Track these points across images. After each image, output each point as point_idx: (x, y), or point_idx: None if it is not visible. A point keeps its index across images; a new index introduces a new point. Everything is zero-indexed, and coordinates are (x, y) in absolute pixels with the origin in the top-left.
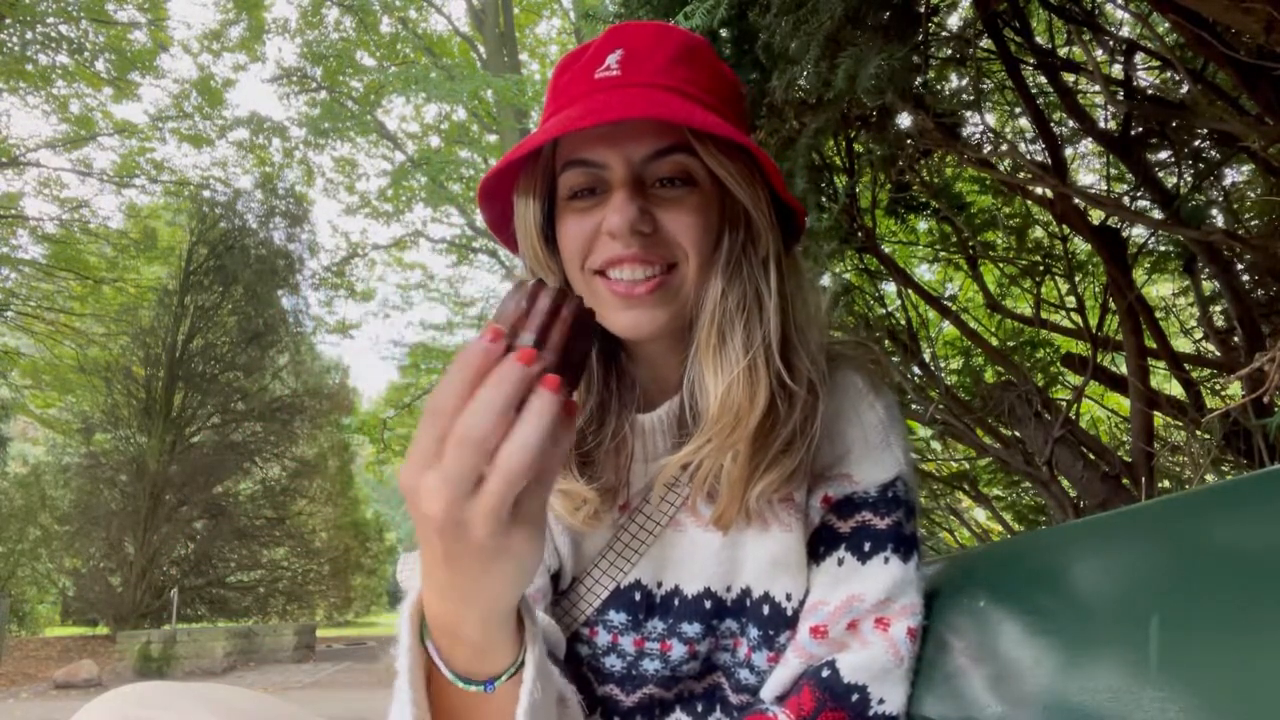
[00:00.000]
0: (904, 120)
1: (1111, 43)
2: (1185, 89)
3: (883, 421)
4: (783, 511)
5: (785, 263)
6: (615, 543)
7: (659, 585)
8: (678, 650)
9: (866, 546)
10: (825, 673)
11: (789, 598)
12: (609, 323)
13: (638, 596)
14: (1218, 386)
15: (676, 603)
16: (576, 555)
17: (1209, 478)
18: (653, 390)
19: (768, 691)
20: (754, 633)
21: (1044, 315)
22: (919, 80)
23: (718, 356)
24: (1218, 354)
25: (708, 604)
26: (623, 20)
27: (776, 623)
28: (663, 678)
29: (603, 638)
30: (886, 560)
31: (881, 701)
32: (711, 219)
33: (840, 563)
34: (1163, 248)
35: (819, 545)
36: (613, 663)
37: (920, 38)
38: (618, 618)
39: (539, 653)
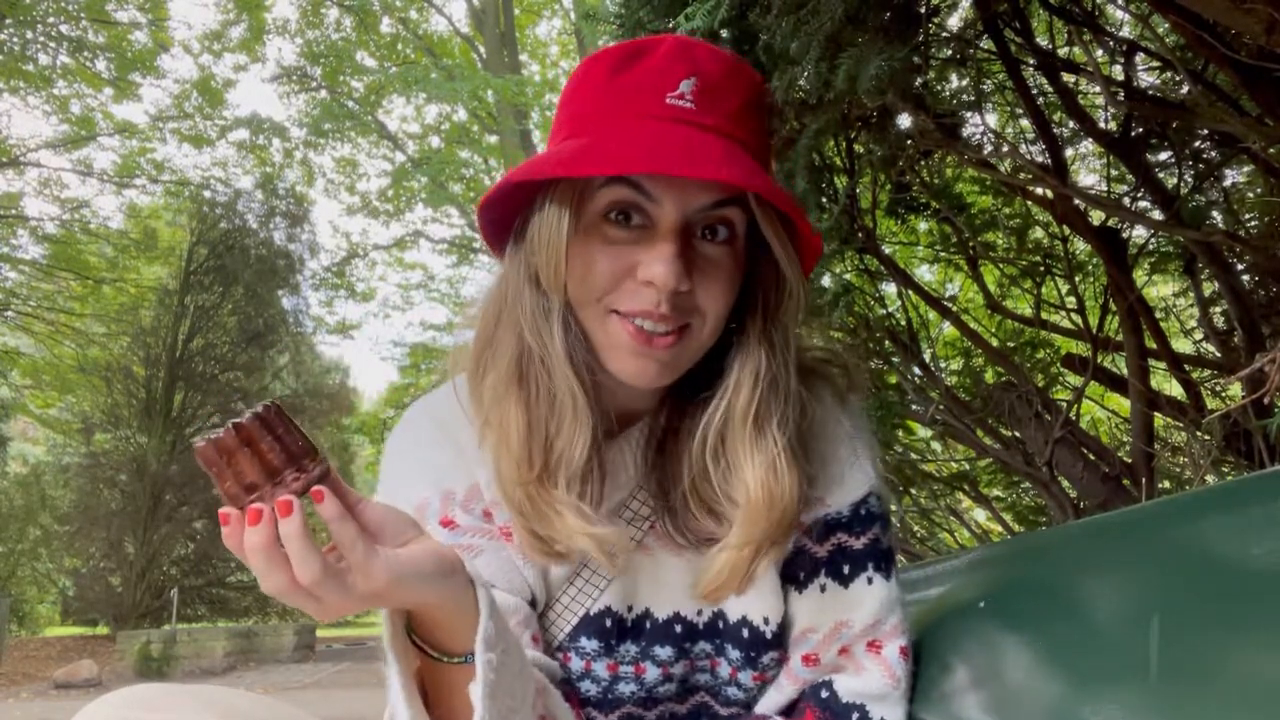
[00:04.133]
0: (904, 121)
1: (1112, 43)
2: (1186, 90)
3: (849, 435)
4: None
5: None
6: (583, 569)
7: (629, 610)
8: (652, 672)
9: (846, 569)
10: (824, 693)
11: (766, 621)
12: (611, 363)
13: (608, 623)
14: (1218, 387)
15: (648, 626)
16: (544, 582)
17: (1209, 479)
18: (623, 416)
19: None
20: (735, 654)
21: (1044, 316)
22: (919, 81)
23: (754, 440)
24: (1218, 355)
25: (678, 628)
26: (623, 20)
27: (757, 644)
28: (639, 699)
29: (575, 664)
30: (870, 581)
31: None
32: (737, 280)
33: (823, 589)
34: (1163, 248)
35: (799, 571)
36: (588, 687)
37: (921, 38)
38: (589, 644)
39: (488, 629)
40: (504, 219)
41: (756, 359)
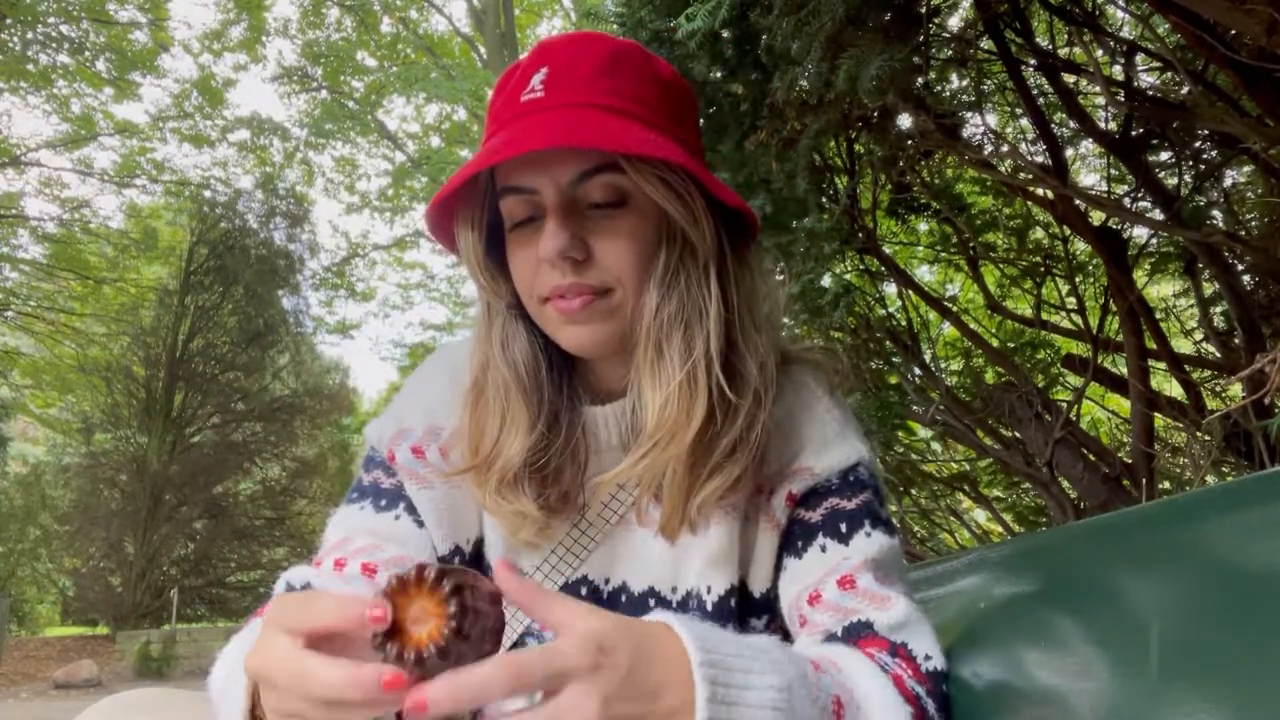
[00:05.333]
0: (905, 121)
1: (1112, 44)
2: (1186, 90)
3: (837, 419)
4: (718, 511)
5: (732, 268)
6: (565, 538)
7: (606, 581)
8: None
9: (843, 527)
10: (865, 631)
11: (709, 590)
12: (559, 340)
13: (584, 592)
14: (1218, 388)
15: (623, 599)
16: (527, 551)
17: (1209, 479)
18: (603, 389)
19: None
20: None
21: (1044, 316)
22: (920, 81)
23: (655, 370)
24: (1218, 355)
25: (652, 602)
26: (624, 20)
27: (700, 618)
28: None
29: (549, 635)
30: (869, 534)
31: (929, 658)
32: (647, 237)
33: (824, 549)
34: (1163, 249)
35: (796, 541)
36: None
37: (921, 39)
38: None
39: None
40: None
41: (653, 296)
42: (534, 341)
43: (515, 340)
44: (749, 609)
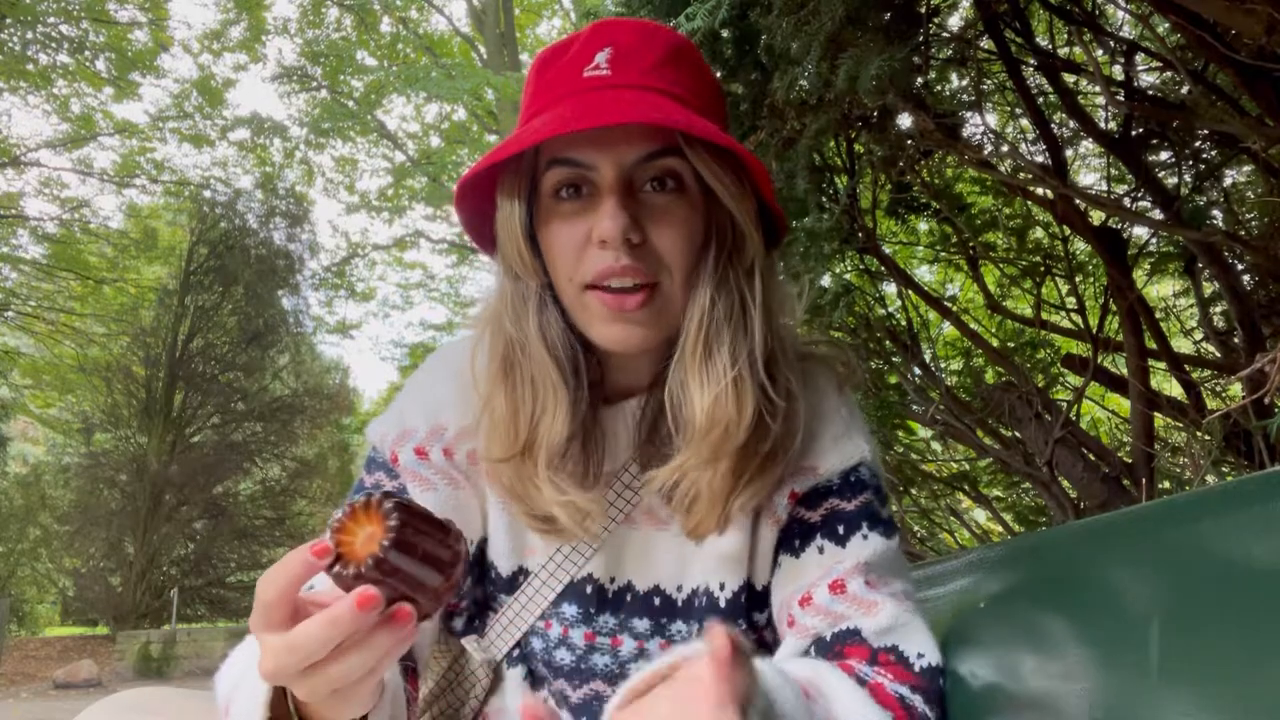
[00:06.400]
0: (905, 121)
1: (1112, 43)
2: (1186, 90)
3: (843, 418)
4: (739, 513)
5: (767, 270)
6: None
7: (612, 580)
8: (628, 645)
9: (841, 529)
10: (852, 638)
11: (722, 587)
12: (594, 335)
13: (589, 590)
14: (1218, 387)
15: (628, 598)
16: (521, 542)
17: (1209, 479)
18: (619, 387)
19: None
20: (693, 629)
21: (1044, 316)
22: (920, 81)
23: (704, 368)
24: (1218, 355)
25: (657, 601)
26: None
27: (711, 615)
28: (611, 673)
29: (555, 630)
30: (865, 537)
31: (921, 655)
32: (697, 228)
33: (821, 550)
34: (1163, 248)
35: (794, 540)
36: (563, 656)
37: (921, 38)
38: (570, 610)
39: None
40: (487, 221)
41: (705, 292)
42: (567, 330)
43: (552, 326)
44: (753, 604)
